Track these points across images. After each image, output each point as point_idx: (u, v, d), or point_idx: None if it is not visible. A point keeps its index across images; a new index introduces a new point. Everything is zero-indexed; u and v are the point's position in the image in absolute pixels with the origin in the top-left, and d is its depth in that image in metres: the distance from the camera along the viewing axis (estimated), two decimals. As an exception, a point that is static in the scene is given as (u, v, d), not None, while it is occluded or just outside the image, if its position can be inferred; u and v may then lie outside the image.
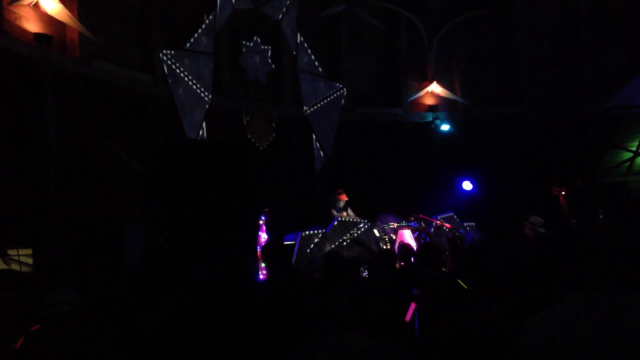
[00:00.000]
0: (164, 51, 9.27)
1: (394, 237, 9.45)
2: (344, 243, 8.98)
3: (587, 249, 1.89)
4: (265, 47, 10.84)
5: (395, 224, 9.52)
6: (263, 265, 7.51)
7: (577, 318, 1.83)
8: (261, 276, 6.95)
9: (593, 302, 1.83)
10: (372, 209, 10.21)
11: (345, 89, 11.76)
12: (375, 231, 9.39)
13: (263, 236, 8.44)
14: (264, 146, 10.67)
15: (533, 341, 1.88)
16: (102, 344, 3.14)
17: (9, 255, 8.07)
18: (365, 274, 6.76)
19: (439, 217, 9.85)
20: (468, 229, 9.99)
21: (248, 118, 10.54)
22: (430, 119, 12.35)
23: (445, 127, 12.22)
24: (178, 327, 2.65)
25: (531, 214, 8.97)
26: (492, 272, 2.89)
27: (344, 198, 9.90)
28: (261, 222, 8.30)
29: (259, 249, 7.21)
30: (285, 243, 9.15)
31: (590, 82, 12.46)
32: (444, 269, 4.91)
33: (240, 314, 2.92)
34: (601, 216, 9.57)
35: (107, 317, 3.68)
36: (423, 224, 9.53)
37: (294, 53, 11.13)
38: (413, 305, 3.43)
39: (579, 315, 1.83)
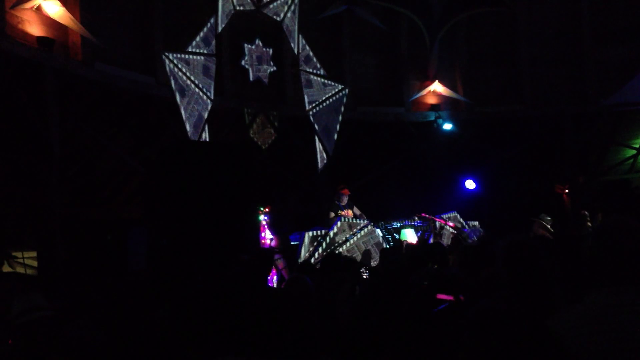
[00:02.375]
0: (166, 53, 9.29)
1: (397, 237, 9.43)
2: (347, 243, 8.94)
3: (610, 244, 1.88)
4: (267, 48, 10.85)
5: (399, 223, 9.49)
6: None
7: (604, 314, 1.82)
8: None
9: (619, 297, 1.82)
10: (374, 209, 10.20)
11: (347, 89, 11.76)
12: (378, 231, 9.37)
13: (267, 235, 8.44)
14: (266, 147, 10.68)
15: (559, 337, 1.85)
16: (80, 349, 3.05)
17: (13, 257, 8.10)
18: (366, 275, 6.76)
19: (442, 216, 9.84)
20: (472, 227, 9.98)
21: (250, 119, 10.56)
22: (432, 118, 12.32)
23: (447, 126, 12.19)
24: (173, 334, 2.63)
25: (535, 212, 8.97)
26: (498, 267, 2.83)
27: (347, 192, 9.38)
28: (263, 221, 8.29)
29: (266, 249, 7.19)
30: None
31: (592, 79, 12.41)
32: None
33: (243, 315, 2.91)
34: (600, 215, 9.54)
35: (103, 320, 3.63)
36: (427, 223, 9.51)
37: (296, 53, 11.15)
38: (450, 297, 3.34)
39: (606, 310, 1.82)
